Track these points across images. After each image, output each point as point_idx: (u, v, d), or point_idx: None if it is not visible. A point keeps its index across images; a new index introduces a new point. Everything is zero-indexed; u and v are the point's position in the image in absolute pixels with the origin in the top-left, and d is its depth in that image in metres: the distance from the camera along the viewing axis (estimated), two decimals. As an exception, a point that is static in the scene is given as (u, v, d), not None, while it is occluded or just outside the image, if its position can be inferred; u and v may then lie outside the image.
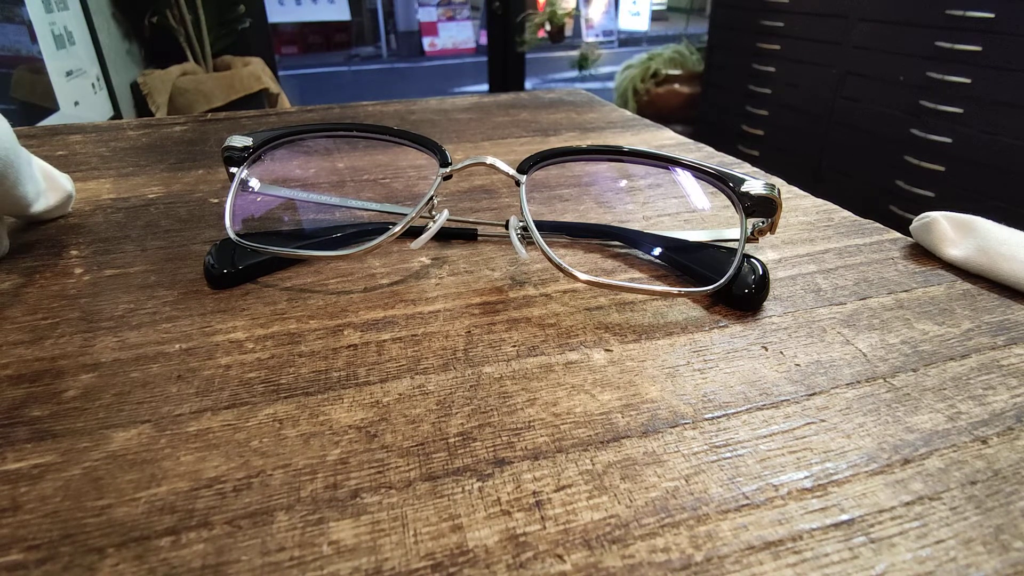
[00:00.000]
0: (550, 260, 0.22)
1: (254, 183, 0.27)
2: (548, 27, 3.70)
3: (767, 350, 0.20)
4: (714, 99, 2.27)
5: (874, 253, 0.27)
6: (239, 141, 0.26)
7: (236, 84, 1.77)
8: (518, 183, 0.24)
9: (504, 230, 0.28)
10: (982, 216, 0.26)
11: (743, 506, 0.14)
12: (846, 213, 0.31)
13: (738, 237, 0.23)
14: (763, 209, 0.23)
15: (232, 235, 0.24)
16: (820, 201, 0.32)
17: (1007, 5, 1.28)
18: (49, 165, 0.30)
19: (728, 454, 0.16)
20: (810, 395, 0.18)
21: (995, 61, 1.32)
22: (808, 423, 0.17)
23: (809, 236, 0.28)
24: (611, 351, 0.20)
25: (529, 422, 0.17)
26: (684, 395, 0.18)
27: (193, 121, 0.48)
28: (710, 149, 0.41)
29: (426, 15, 5.03)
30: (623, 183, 0.35)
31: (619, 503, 0.14)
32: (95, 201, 0.32)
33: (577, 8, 4.50)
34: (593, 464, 0.15)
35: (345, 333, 0.21)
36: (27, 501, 0.14)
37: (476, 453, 0.16)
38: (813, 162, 1.82)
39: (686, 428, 0.17)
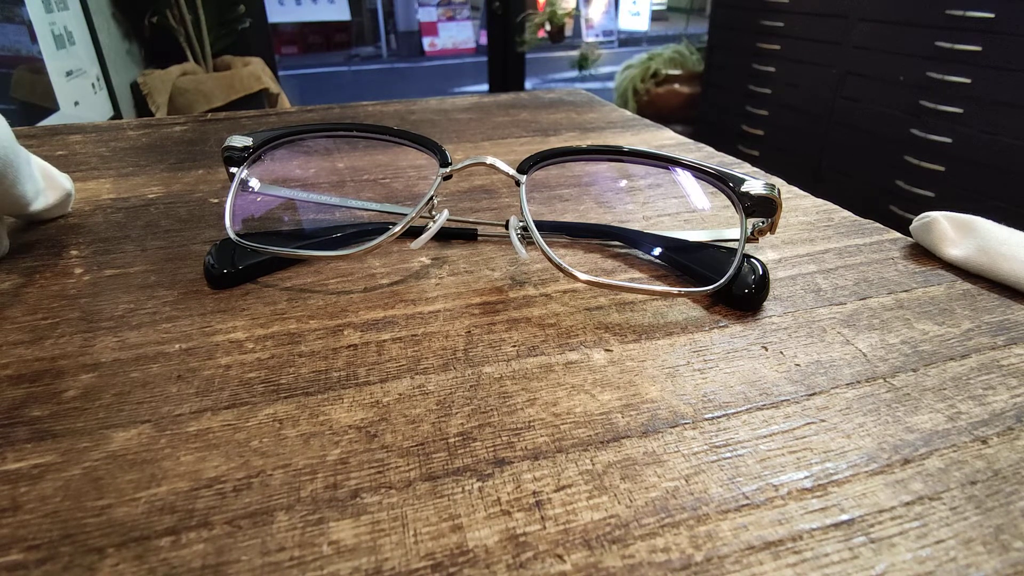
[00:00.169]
0: (550, 260, 0.22)
1: (254, 183, 0.27)
2: (548, 27, 3.70)
3: (767, 350, 0.20)
4: (714, 99, 2.27)
5: (874, 253, 0.27)
6: (239, 141, 0.26)
7: (236, 84, 1.77)
8: (518, 183, 0.24)
9: (504, 230, 0.28)
10: (982, 216, 0.26)
11: (743, 506, 0.14)
12: (846, 213, 0.31)
13: (738, 237, 0.23)
14: (763, 209, 0.23)
15: (232, 235, 0.24)
16: (820, 201, 0.32)
17: (1007, 5, 1.28)
18: (48, 164, 0.30)
19: (728, 454, 0.16)
20: (810, 395, 0.18)
21: (995, 61, 1.32)
22: (808, 423, 0.17)
23: (809, 236, 0.28)
24: (611, 351, 0.20)
25: (529, 422, 0.17)
26: (684, 395, 0.18)
27: (193, 121, 0.48)
28: (710, 149, 0.41)
29: (426, 15, 5.03)
30: (623, 183, 0.35)
31: (619, 503, 0.14)
32: (95, 201, 0.32)
33: (577, 8, 4.50)
34: (593, 464, 0.15)
35: (345, 333, 0.21)
36: (27, 501, 0.14)
37: (476, 453, 0.16)
38: (813, 162, 1.82)
39: (686, 428, 0.17)
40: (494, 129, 0.46)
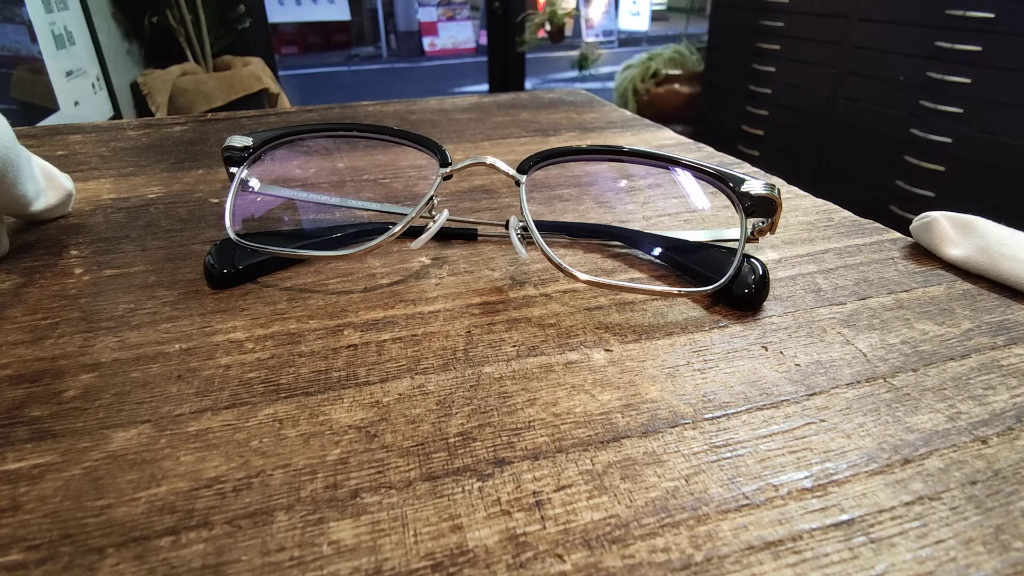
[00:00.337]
0: (550, 260, 0.22)
1: (254, 183, 0.27)
2: (548, 27, 3.70)
3: (767, 350, 0.20)
4: (714, 99, 2.27)
5: (874, 253, 0.27)
6: (239, 141, 0.26)
7: (236, 84, 1.77)
8: (518, 183, 0.24)
9: (504, 230, 0.28)
10: (982, 216, 0.26)
11: (743, 506, 0.14)
12: (846, 213, 0.31)
13: (738, 237, 0.23)
14: (763, 209, 0.23)
15: (232, 235, 0.24)
16: (820, 201, 0.32)
17: (1007, 5, 1.28)
18: (49, 164, 0.30)
19: (728, 454, 0.16)
20: (810, 395, 0.18)
21: (995, 61, 1.32)
22: (808, 423, 0.17)
23: (809, 236, 0.28)
24: (611, 351, 0.20)
25: (529, 422, 0.17)
26: (684, 395, 0.18)
27: (193, 121, 0.48)
28: (710, 149, 0.41)
29: (426, 15, 5.03)
30: (623, 183, 0.35)
31: (619, 503, 0.14)
32: (95, 201, 0.32)
33: (577, 8, 4.50)
34: (593, 464, 0.15)
35: (345, 333, 0.21)
36: (27, 501, 0.14)
37: (476, 453, 0.16)
38: (813, 162, 1.82)
39: (686, 428, 0.17)
40: (494, 129, 0.46)
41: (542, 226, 0.28)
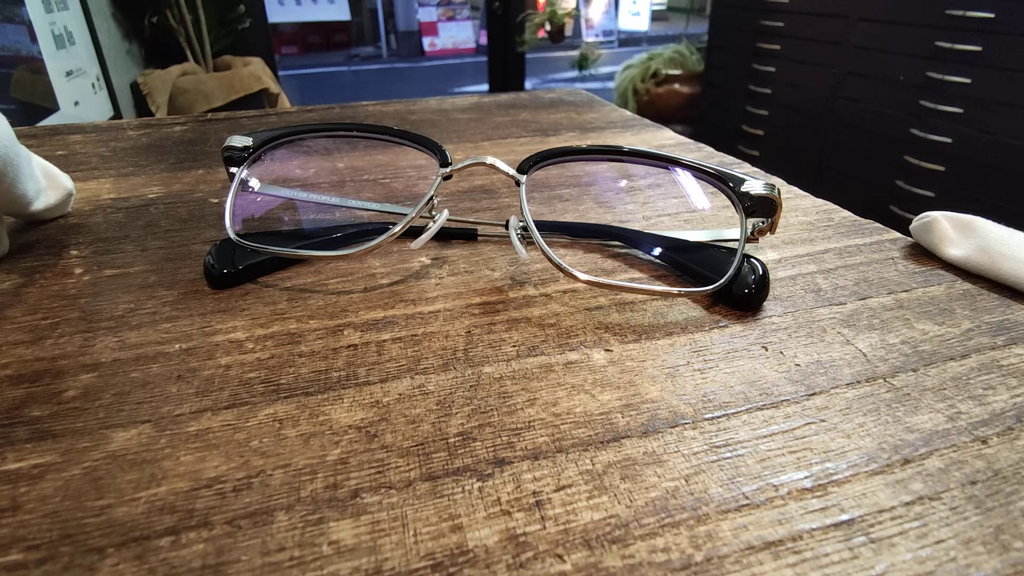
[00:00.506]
0: (550, 260, 0.22)
1: (254, 183, 0.27)
2: (548, 27, 3.70)
3: (767, 350, 0.20)
4: (714, 99, 2.27)
5: (874, 253, 0.27)
6: (239, 141, 0.26)
7: (236, 84, 1.77)
8: (518, 183, 0.24)
9: (504, 230, 0.28)
10: (982, 216, 0.26)
11: (743, 506, 0.14)
12: (846, 213, 0.31)
13: (738, 237, 0.23)
14: (763, 209, 0.23)
15: (232, 235, 0.24)
16: (820, 201, 0.32)
17: (1007, 5, 1.28)
18: (49, 163, 0.30)
19: (728, 454, 0.16)
20: (810, 395, 0.18)
21: (995, 61, 1.32)
22: (808, 423, 0.17)
23: (809, 236, 0.28)
24: (611, 351, 0.20)
25: (529, 422, 0.17)
26: (684, 395, 0.18)
27: (193, 121, 0.48)
28: (710, 149, 0.41)
29: (426, 15, 5.03)
30: (623, 183, 0.35)
31: (619, 503, 0.14)
32: (95, 201, 0.32)
33: (577, 8, 4.50)
34: (593, 464, 0.15)
35: (345, 333, 0.21)
36: (27, 501, 0.14)
37: (476, 453, 0.16)
38: (813, 162, 1.82)
39: (686, 428, 0.17)
40: (494, 129, 0.46)
41: (542, 226, 0.28)
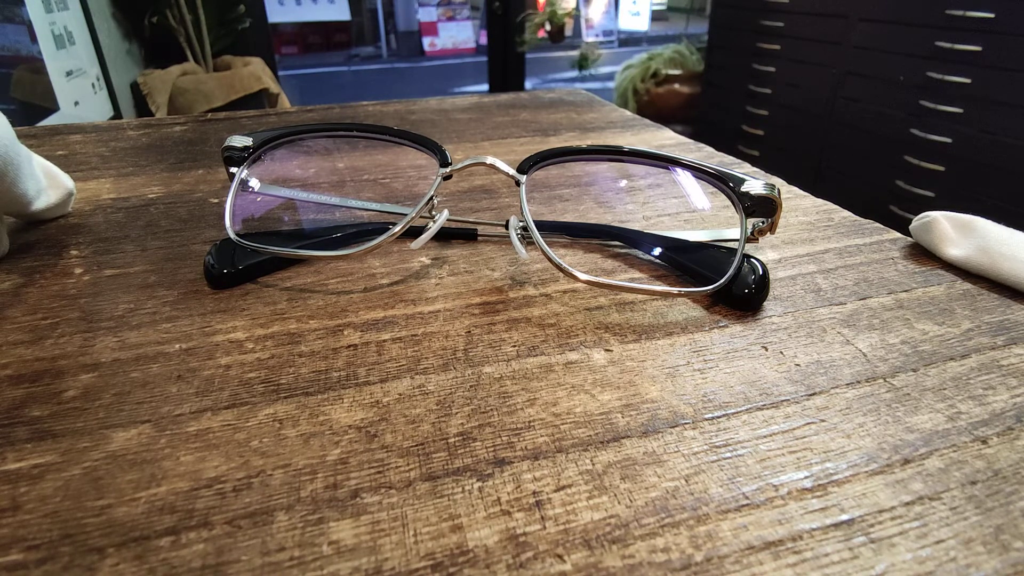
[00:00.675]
0: (550, 260, 0.22)
1: (254, 183, 0.27)
2: (548, 27, 3.70)
3: (767, 350, 0.20)
4: (714, 99, 2.27)
5: (874, 253, 0.27)
6: (239, 141, 0.26)
7: (236, 84, 1.77)
8: (518, 183, 0.24)
9: (504, 230, 0.28)
10: (982, 216, 0.26)
11: (743, 506, 0.14)
12: (846, 213, 0.31)
13: (738, 237, 0.23)
14: (763, 209, 0.23)
15: (232, 235, 0.24)
16: (820, 201, 0.32)
17: (1007, 5, 1.28)
18: (50, 163, 0.30)
19: (728, 454, 0.16)
20: (810, 395, 0.18)
21: (995, 61, 1.32)
22: (808, 423, 0.17)
23: (809, 236, 0.28)
24: (611, 351, 0.20)
25: (529, 422, 0.17)
26: (684, 395, 0.18)
27: (193, 121, 0.48)
28: (710, 149, 0.41)
29: (426, 15, 5.03)
30: (623, 183, 0.35)
31: (619, 503, 0.14)
32: (95, 201, 0.32)
33: (577, 8, 4.50)
34: (593, 464, 0.15)
35: (345, 333, 0.21)
36: (27, 501, 0.14)
37: (476, 453, 0.16)
38: (813, 162, 1.82)
39: (686, 428, 0.17)
40: (494, 129, 0.46)
41: (542, 226, 0.28)
